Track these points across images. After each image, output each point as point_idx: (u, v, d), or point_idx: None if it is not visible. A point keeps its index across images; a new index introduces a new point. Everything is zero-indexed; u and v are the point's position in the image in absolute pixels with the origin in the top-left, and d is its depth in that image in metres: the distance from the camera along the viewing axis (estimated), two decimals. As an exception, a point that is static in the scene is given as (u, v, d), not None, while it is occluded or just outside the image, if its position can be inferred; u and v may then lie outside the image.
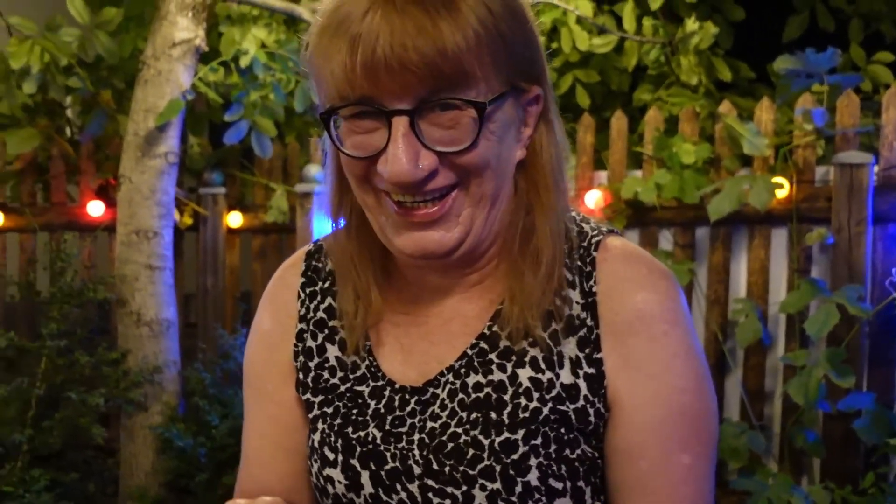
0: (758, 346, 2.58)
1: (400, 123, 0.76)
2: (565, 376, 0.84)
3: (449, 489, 0.82)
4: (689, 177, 2.56)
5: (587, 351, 0.84)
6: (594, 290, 0.86)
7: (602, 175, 2.80)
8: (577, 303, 0.86)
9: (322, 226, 3.10)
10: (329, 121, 0.81)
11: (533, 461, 0.81)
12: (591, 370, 0.84)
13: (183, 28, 2.71)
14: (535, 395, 0.84)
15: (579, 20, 3.05)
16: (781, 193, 2.47)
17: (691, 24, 2.89)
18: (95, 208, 3.23)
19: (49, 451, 2.71)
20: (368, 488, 0.86)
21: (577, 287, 0.86)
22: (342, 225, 0.92)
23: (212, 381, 2.85)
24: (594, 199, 2.65)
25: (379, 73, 0.75)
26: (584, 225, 0.90)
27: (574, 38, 3.03)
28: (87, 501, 2.74)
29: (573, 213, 0.90)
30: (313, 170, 3.07)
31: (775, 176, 2.48)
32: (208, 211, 3.27)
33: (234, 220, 3.30)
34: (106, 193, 3.25)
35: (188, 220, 3.24)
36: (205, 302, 3.33)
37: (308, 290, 0.98)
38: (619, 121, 2.78)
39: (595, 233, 0.89)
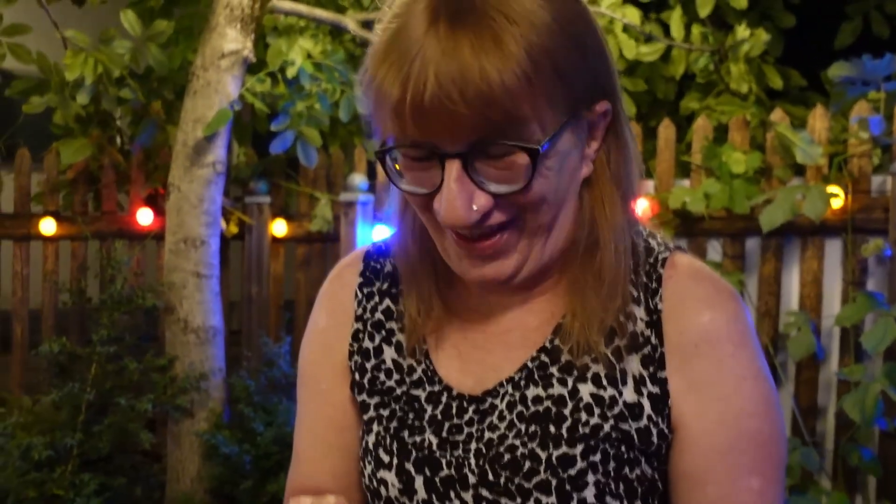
0: (810, 360, 2.51)
1: (453, 167, 0.75)
2: (628, 394, 0.82)
3: (503, 500, 0.81)
4: (738, 186, 2.51)
5: (651, 369, 0.82)
6: (659, 307, 0.83)
7: (649, 184, 2.77)
8: (642, 320, 0.84)
9: (366, 234, 3.12)
10: (384, 157, 0.80)
11: (590, 478, 0.79)
12: (656, 389, 0.82)
13: (231, 39, 2.75)
14: (597, 410, 0.82)
15: (626, 28, 3.02)
16: (836, 204, 2.41)
17: (742, 31, 2.84)
18: (144, 217, 3.28)
19: (98, 455, 2.75)
20: (422, 494, 0.85)
21: (641, 304, 0.84)
22: (403, 229, 0.92)
23: (256, 388, 2.87)
24: (641, 208, 2.61)
25: (429, 118, 0.73)
26: (651, 240, 0.88)
27: (621, 46, 3.00)
28: (135, 506, 2.78)
29: (640, 228, 0.88)
30: (357, 179, 3.09)
31: (830, 185, 2.42)
32: (253, 220, 3.31)
33: (279, 228, 3.33)
34: (155, 202, 3.31)
35: (234, 229, 3.28)
36: (249, 310, 3.36)
37: (366, 291, 0.98)
38: (666, 129, 2.74)
39: (662, 248, 0.87)
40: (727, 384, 0.81)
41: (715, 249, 2.66)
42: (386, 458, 0.88)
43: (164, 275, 2.92)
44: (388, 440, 0.89)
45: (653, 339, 0.83)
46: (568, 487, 0.79)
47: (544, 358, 0.86)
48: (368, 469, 0.90)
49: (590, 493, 0.79)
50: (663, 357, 0.82)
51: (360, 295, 0.98)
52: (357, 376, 0.95)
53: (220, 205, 2.92)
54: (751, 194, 2.50)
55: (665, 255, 0.86)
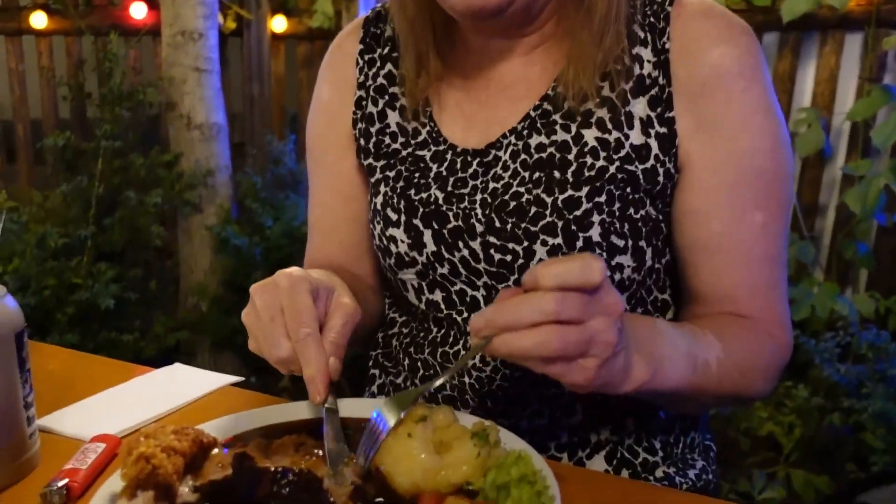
0: (816, 158, 2.50)
1: None
2: (635, 136, 0.82)
3: (510, 245, 0.83)
4: (760, -25, 2.38)
5: (658, 110, 0.82)
6: (667, 46, 0.82)
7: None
8: (649, 61, 0.83)
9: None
10: None
11: (595, 218, 0.81)
12: (663, 130, 0.82)
13: None
14: (602, 154, 0.83)
15: None
16: (862, -8, 2.29)
17: None
18: (138, 10, 3.16)
19: (112, 249, 2.83)
20: (431, 246, 0.87)
21: (648, 45, 0.83)
22: None
23: (263, 185, 2.89)
24: None
25: None
26: None
27: None
28: (151, 298, 2.89)
29: None
30: (359, -30, 2.92)
31: (857, -28, 2.29)
32: (252, 14, 3.17)
33: (279, 24, 3.20)
34: (148, -5, 3.16)
35: (232, 24, 3.16)
36: (251, 111, 3.31)
37: (367, 57, 0.97)
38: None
39: None
40: (736, 121, 0.80)
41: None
42: (394, 216, 0.90)
43: (163, 70, 2.85)
44: (395, 199, 0.91)
45: (660, 80, 0.82)
46: (573, 228, 0.81)
47: (547, 106, 0.86)
48: (378, 229, 0.92)
49: (595, 232, 0.81)
50: (671, 97, 0.82)
51: (361, 62, 0.97)
52: (362, 142, 0.96)
53: (216, -5, 2.79)
54: (773, -17, 2.37)
55: None
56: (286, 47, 3.32)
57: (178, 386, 0.91)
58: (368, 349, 1.04)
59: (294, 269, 0.72)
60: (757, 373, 0.81)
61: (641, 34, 0.83)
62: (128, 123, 2.91)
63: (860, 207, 2.19)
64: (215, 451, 0.64)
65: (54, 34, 3.31)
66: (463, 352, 0.88)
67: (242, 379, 0.96)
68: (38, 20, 3.22)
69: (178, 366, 1.00)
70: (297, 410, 0.76)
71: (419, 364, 0.93)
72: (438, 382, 0.64)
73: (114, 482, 0.60)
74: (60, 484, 0.65)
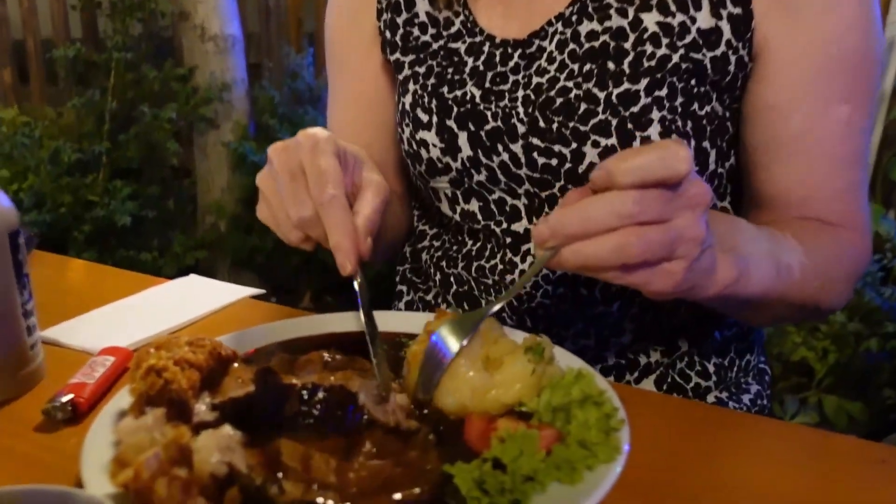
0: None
1: None
2: (703, 20, 0.72)
3: (556, 147, 0.74)
4: None
5: None
6: None
7: None
8: None
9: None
10: None
11: (655, 114, 0.72)
12: (737, 10, 0.71)
13: None
14: (664, 41, 0.72)
15: None
16: None
17: None
18: (147, -86, 2.99)
19: (128, 166, 2.76)
20: (466, 150, 0.79)
21: None
22: None
23: (281, 100, 2.79)
24: None
25: None
26: None
27: None
28: (169, 217, 2.84)
29: None
30: None
31: None
32: (267, -82, 3.01)
33: (295, -70, 3.04)
34: None
35: (246, -70, 3.00)
36: (267, 24, 3.18)
37: None
38: None
39: None
40: (825, 2, 0.70)
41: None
42: (425, 118, 0.81)
43: (175, -23, 2.71)
44: (426, 98, 0.81)
45: None
46: (630, 126, 0.72)
47: None
48: (407, 132, 0.83)
49: (654, 131, 0.72)
50: None
51: None
52: (388, 34, 0.86)
53: None
54: None
55: None
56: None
57: (194, 298, 0.85)
58: (395, 264, 0.97)
59: (318, 129, 0.64)
60: (837, 282, 0.72)
61: None
62: (140, 35, 2.80)
63: (913, 123, 2.06)
64: (235, 365, 0.57)
65: (62, -59, 3.16)
66: (501, 266, 0.80)
67: (263, 291, 0.89)
68: (44, -74, 3.07)
69: (194, 277, 0.94)
70: (325, 323, 0.69)
71: (452, 279, 0.85)
72: (498, 306, 0.56)
73: (122, 398, 0.54)
74: (65, 399, 0.59)
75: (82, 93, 2.67)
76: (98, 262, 2.57)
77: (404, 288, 0.95)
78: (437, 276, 0.87)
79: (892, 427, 1.97)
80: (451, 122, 0.79)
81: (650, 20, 0.73)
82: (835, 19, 0.70)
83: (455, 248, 0.85)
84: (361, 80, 0.90)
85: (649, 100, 0.72)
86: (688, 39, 0.72)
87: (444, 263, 0.86)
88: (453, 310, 0.66)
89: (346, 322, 0.69)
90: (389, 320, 0.70)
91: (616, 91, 0.72)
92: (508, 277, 0.80)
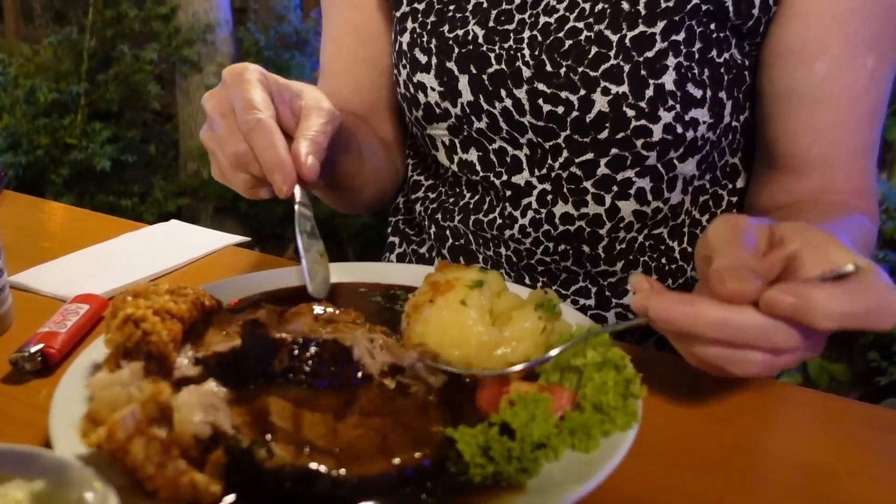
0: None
1: None
2: None
3: (563, 94, 0.69)
4: None
5: None
6: None
7: None
8: None
9: None
10: None
11: (671, 60, 0.67)
12: None
13: None
14: None
15: None
16: None
17: None
18: None
19: (107, 108, 2.68)
20: (467, 95, 0.74)
21: None
22: None
23: (266, 43, 2.71)
24: None
25: None
26: None
27: None
28: (150, 162, 2.77)
29: None
30: None
31: None
32: None
33: None
34: None
35: None
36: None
37: None
38: None
39: None
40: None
41: None
42: (423, 59, 0.76)
43: None
44: (425, 37, 0.76)
45: None
46: (643, 73, 0.67)
47: None
48: (403, 74, 0.78)
49: (669, 78, 0.67)
50: None
51: None
52: None
53: None
54: None
55: None
56: None
57: (175, 244, 0.80)
58: (386, 214, 0.93)
59: (242, 64, 0.61)
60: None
61: None
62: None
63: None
64: (220, 316, 0.53)
65: None
66: (500, 220, 0.76)
67: (248, 239, 0.85)
68: None
69: (175, 222, 0.89)
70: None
71: (448, 232, 0.81)
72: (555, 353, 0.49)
73: (96, 349, 0.50)
74: (34, 349, 0.54)
75: (59, 31, 2.57)
76: (76, 207, 2.52)
77: (396, 240, 0.90)
78: (432, 229, 0.83)
79: (881, 391, 1.97)
80: (451, 64, 0.74)
81: None
82: None
83: (452, 199, 0.81)
84: (356, 10, 0.85)
85: (665, 44, 0.67)
86: None
87: (439, 216, 0.82)
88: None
89: (335, 273, 0.65)
90: (382, 271, 0.66)
91: (630, 34, 0.67)
92: (507, 232, 0.76)
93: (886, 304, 0.44)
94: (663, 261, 0.76)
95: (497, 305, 0.53)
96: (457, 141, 0.77)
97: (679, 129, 0.68)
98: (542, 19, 0.71)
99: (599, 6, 0.69)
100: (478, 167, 0.77)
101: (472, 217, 0.78)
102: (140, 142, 2.78)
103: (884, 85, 0.69)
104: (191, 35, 2.61)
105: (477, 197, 0.78)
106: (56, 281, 0.69)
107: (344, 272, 0.66)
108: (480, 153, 0.76)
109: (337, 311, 0.56)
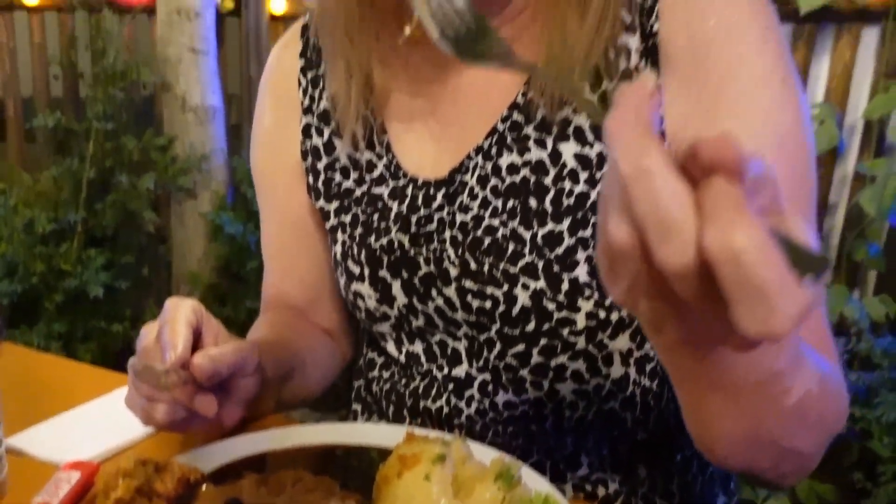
0: (829, 154, 2.44)
1: None
2: None
3: (489, 290, 0.71)
4: (778, -35, 2.30)
5: None
6: (654, 29, 0.68)
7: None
8: (636, 50, 0.69)
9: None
10: None
11: (580, 255, 0.69)
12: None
13: None
14: (582, 175, 0.69)
15: None
16: (883, -15, 2.22)
17: None
18: (133, -13, 3.06)
19: (103, 233, 2.75)
20: (402, 299, 0.76)
21: (636, 30, 0.69)
22: None
23: (259, 171, 2.81)
24: None
25: None
26: None
27: None
28: (143, 284, 2.82)
29: None
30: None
31: (878, -36, 2.21)
32: (251, -6, 3.08)
33: (278, 6, 3.11)
34: (143, -30, 3.06)
35: (229, 4, 3.06)
36: (250, 97, 3.23)
37: (310, 75, 0.83)
38: None
39: None
40: (746, 83, 0.64)
41: (744, 35, 2.49)
42: (356, 270, 0.78)
43: (158, 49, 2.76)
44: (355, 250, 0.79)
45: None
46: (556, 269, 0.69)
47: (517, 116, 0.72)
48: (342, 282, 0.81)
49: (582, 271, 0.69)
50: (660, 88, 0.67)
51: (303, 81, 0.83)
52: (311, 179, 0.83)
53: (213, -27, 2.70)
54: (790, -26, 2.29)
55: None
56: (285, 29, 3.23)
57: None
58: (351, 379, 0.93)
59: (186, 300, 0.67)
60: (827, 424, 0.58)
61: (628, 18, 0.69)
62: (121, 103, 2.82)
63: (875, 208, 2.12)
64: (204, 489, 0.57)
65: (46, 10, 3.21)
66: (447, 409, 0.77)
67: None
68: (30, -5, 3.12)
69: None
70: (294, 435, 0.69)
71: (405, 413, 0.81)
72: None
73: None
74: (29, 523, 0.58)
75: (60, 161, 2.67)
76: (69, 333, 2.55)
77: (358, 407, 0.90)
78: (390, 410, 0.83)
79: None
80: (383, 272, 0.77)
81: (568, 152, 0.70)
82: (758, 104, 0.65)
83: (403, 381, 0.82)
84: (291, 213, 0.87)
85: (573, 240, 0.69)
86: (606, 170, 0.69)
87: (393, 397, 0.83)
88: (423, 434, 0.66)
89: (316, 434, 0.70)
90: (359, 432, 0.71)
91: (541, 232, 0.70)
92: (456, 420, 0.77)
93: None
94: (615, 433, 0.77)
95: (462, 472, 0.57)
96: (403, 334, 0.80)
97: (602, 315, 0.70)
98: (459, 217, 0.74)
99: (511, 203, 0.72)
100: (423, 359, 0.79)
101: (422, 403, 0.79)
102: (134, 264, 2.84)
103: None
104: (187, 164, 2.71)
105: (425, 383, 0.80)
106: (49, 445, 0.73)
107: (322, 433, 0.70)
108: (424, 345, 0.79)
109: (315, 480, 0.60)
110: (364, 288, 0.78)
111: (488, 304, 0.72)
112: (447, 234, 0.74)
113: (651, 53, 0.69)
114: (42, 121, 2.67)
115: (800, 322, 0.33)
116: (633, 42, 0.69)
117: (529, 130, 0.72)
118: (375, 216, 0.78)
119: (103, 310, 2.62)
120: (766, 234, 0.32)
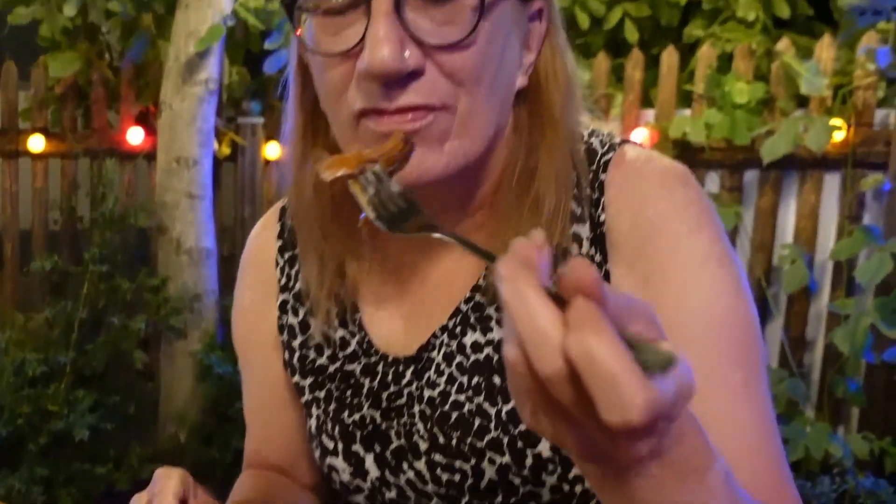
0: (802, 293, 2.53)
1: (382, 3, 0.63)
2: None
3: (457, 463, 0.74)
4: (740, 117, 2.47)
5: None
6: (602, 219, 0.73)
7: (649, 113, 2.72)
8: (587, 238, 0.74)
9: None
10: (293, 8, 0.67)
11: None
12: None
13: (224, -49, 2.65)
14: None
15: (632, -50, 2.92)
16: (838, 137, 2.38)
17: (751, -45, 2.75)
18: (135, 135, 3.21)
19: (92, 373, 2.76)
20: (374, 472, 0.79)
21: (586, 221, 0.74)
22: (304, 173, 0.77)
23: (250, 310, 2.87)
24: (641, 137, 2.58)
25: None
26: (593, 140, 0.77)
27: (626, -32, 2.91)
28: (129, 423, 2.81)
29: (580, 131, 0.77)
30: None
31: (833, 118, 2.38)
32: (246, 141, 3.24)
33: (272, 151, 3.27)
34: (146, 120, 3.23)
35: (226, 150, 3.22)
36: (243, 232, 3.33)
37: (287, 255, 0.86)
38: (669, 56, 2.68)
39: (605, 149, 0.76)
40: (687, 269, 0.69)
41: (713, 181, 2.63)
42: (330, 444, 0.81)
43: (156, 194, 2.88)
44: (329, 425, 0.82)
45: (597, 258, 0.73)
46: (520, 444, 0.72)
47: (479, 298, 0.77)
48: (317, 454, 0.84)
49: (544, 447, 0.72)
50: (608, 275, 0.72)
51: (280, 261, 0.86)
52: (287, 356, 0.86)
53: (213, 124, 2.86)
54: (752, 125, 2.46)
55: (608, 157, 0.75)
56: (279, 170, 3.37)
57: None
58: None
59: (175, 470, 0.71)
60: None
61: (578, 210, 0.75)
62: (117, 245, 2.91)
63: (848, 347, 2.19)
64: None
65: (50, 157, 3.36)
66: None
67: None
68: (36, 143, 3.27)
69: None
70: None
71: None
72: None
73: None
74: None
75: (55, 302, 2.72)
76: (51, 475, 2.51)
77: None
78: None
79: None
80: (356, 447, 0.80)
81: None
82: (699, 286, 0.68)
83: None
84: (269, 386, 0.90)
85: None
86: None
87: None
88: None
89: None
90: None
91: (505, 408, 0.73)
92: None
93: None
94: None
95: None
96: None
97: (566, 488, 0.73)
98: (427, 392, 0.77)
99: (476, 379, 0.75)
100: None
101: None
102: (121, 402, 2.83)
103: (760, 398, 0.68)
104: (178, 304, 2.76)
105: None
106: None
107: None
108: None
109: None
110: (338, 462, 0.81)
111: (457, 478, 0.75)
112: (416, 408, 0.77)
113: (600, 241, 0.74)
114: (39, 266, 2.74)
115: (655, 414, 0.39)
116: (584, 231, 0.75)
117: (491, 311, 0.76)
118: (349, 392, 0.81)
119: (87, 451, 2.59)
120: (617, 338, 0.39)
